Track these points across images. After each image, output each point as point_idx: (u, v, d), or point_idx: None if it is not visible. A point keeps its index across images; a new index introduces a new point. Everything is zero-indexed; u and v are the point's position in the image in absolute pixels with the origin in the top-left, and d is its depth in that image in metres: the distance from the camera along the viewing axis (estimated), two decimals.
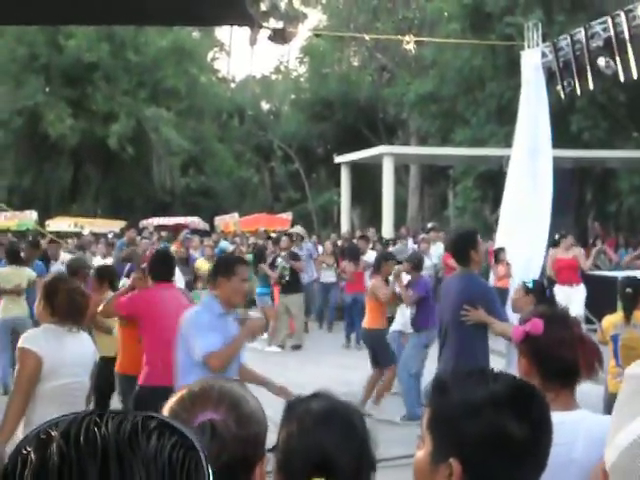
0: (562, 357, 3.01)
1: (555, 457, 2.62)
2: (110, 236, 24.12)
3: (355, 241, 20.53)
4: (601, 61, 16.65)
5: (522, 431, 1.81)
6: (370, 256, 17.38)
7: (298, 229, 21.56)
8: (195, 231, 27.28)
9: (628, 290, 8.06)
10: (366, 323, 11.98)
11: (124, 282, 10.57)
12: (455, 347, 7.20)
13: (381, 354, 11.62)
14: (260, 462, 1.97)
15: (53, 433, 1.00)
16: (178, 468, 1.00)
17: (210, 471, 1.04)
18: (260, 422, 2.03)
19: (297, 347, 17.01)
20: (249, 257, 17.92)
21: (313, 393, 2.49)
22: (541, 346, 3.06)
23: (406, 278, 11.84)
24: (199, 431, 1.82)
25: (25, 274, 12.25)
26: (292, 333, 17.23)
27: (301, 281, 17.65)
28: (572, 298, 14.63)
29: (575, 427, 2.78)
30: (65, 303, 5.42)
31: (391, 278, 11.83)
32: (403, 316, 12.05)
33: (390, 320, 12.36)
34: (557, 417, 2.74)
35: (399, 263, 12.57)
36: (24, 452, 0.99)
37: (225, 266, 6.25)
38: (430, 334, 10.98)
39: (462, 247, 7.51)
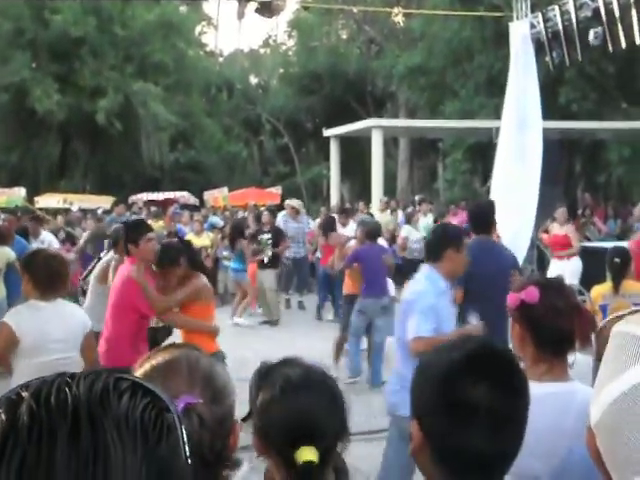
0: (558, 326, 3.00)
1: (546, 427, 2.62)
2: (99, 212, 24.06)
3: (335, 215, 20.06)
4: (590, 32, 16.62)
5: (482, 398, 1.79)
6: (352, 229, 16.96)
7: (295, 202, 21.31)
8: (185, 206, 27.24)
9: (616, 260, 8.08)
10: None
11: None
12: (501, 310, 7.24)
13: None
14: (233, 429, 1.95)
15: (24, 394, 0.99)
16: (150, 428, 0.99)
17: (184, 433, 1.04)
18: (232, 390, 2.00)
19: (274, 323, 16.64)
20: None
21: (282, 360, 2.47)
22: (536, 314, 3.06)
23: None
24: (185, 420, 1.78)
25: (4, 254, 11.44)
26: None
27: (279, 258, 17.38)
28: (566, 270, 14.68)
29: (567, 399, 2.78)
30: (42, 270, 5.43)
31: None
32: None
33: None
34: (550, 388, 2.74)
35: None
36: None
37: (456, 238, 6.08)
38: (376, 301, 11.54)
39: (487, 216, 8.00)
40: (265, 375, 2.38)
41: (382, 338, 11.38)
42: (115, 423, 0.97)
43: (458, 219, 19.52)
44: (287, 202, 20.61)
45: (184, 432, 1.04)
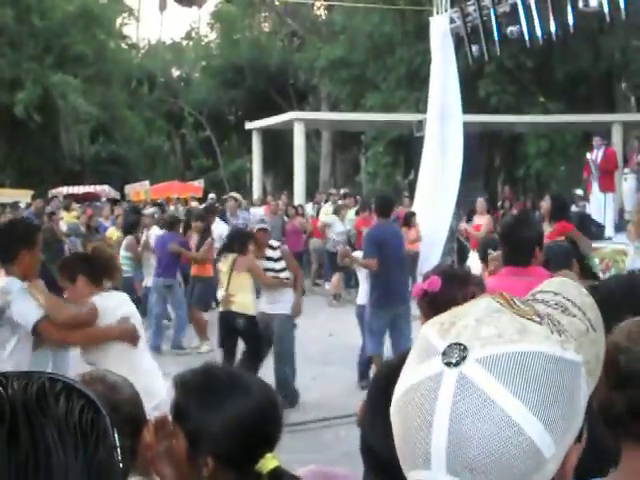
0: None
1: None
2: (22, 206, 23.63)
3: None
4: (508, 27, 16.87)
5: None
6: (218, 229, 15.96)
7: (235, 194, 21.17)
8: (109, 200, 26.93)
9: (490, 252, 8.25)
10: None
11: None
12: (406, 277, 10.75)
13: None
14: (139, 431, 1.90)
15: None
16: (89, 430, 0.96)
17: (117, 435, 1.02)
18: (132, 395, 1.94)
19: None
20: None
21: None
22: (438, 304, 3.03)
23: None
24: None
25: None
26: None
27: None
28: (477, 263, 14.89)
29: None
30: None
31: None
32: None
33: None
34: None
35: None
36: None
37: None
38: None
39: (389, 205, 10.80)
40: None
41: None
42: (55, 425, 0.94)
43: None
44: (231, 195, 20.35)
45: (117, 435, 1.02)
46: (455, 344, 1.09)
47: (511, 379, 1.05)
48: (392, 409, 1.15)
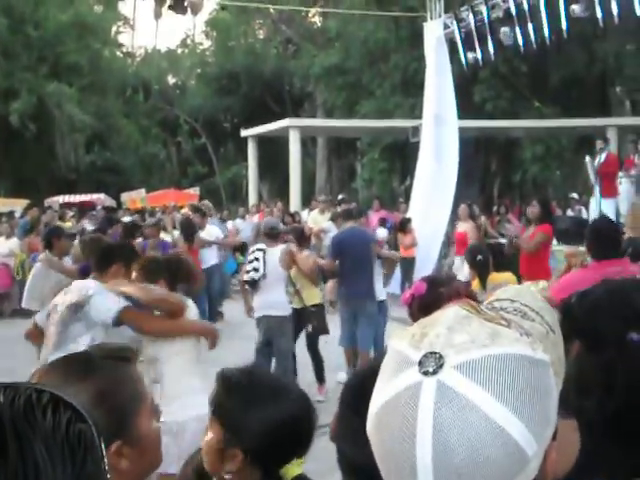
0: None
1: None
2: (17, 215, 23.57)
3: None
4: (502, 32, 16.89)
5: None
6: (209, 232, 16.43)
7: (206, 202, 21.08)
8: (104, 208, 26.89)
9: (479, 258, 8.19)
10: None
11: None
12: (369, 276, 10.72)
13: None
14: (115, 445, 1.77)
15: None
16: (76, 443, 0.95)
17: (103, 446, 1.01)
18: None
19: None
20: None
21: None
22: (426, 305, 3.15)
23: None
24: None
25: None
26: None
27: None
28: (463, 268, 14.89)
29: None
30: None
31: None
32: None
33: None
34: None
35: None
36: None
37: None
38: None
39: (350, 210, 12.30)
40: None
41: None
42: (42, 439, 0.93)
43: (380, 215, 19.80)
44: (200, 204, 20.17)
45: (102, 444, 1.01)
46: (430, 353, 1.10)
47: (489, 382, 1.07)
48: (369, 425, 1.15)
